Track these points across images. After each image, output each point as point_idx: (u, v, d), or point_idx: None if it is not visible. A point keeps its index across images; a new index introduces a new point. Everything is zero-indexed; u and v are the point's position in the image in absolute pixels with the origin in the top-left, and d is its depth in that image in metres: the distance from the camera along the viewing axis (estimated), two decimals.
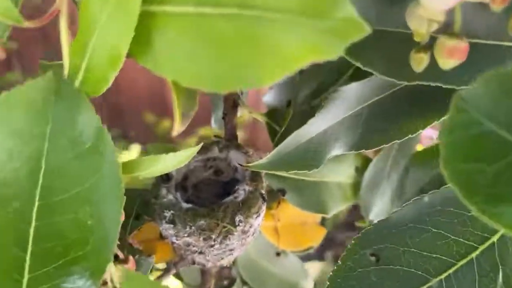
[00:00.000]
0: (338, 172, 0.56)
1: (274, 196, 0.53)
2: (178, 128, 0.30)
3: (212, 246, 0.44)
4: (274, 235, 0.55)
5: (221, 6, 0.25)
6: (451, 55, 0.28)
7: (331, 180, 0.56)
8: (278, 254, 0.58)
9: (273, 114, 0.55)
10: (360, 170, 0.58)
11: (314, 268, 0.87)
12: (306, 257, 0.74)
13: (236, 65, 0.25)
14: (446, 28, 0.29)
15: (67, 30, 0.32)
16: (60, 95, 0.29)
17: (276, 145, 0.46)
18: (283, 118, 0.54)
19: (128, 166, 0.34)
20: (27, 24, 0.31)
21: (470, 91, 0.25)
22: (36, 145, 0.28)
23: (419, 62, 0.30)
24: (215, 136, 0.51)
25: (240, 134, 0.54)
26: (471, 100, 0.25)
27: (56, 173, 0.29)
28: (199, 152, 0.48)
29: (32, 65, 1.68)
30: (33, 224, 0.29)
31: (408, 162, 0.58)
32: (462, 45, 0.28)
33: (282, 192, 0.51)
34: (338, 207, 0.56)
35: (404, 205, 0.37)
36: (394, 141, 0.39)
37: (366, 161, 0.58)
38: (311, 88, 0.54)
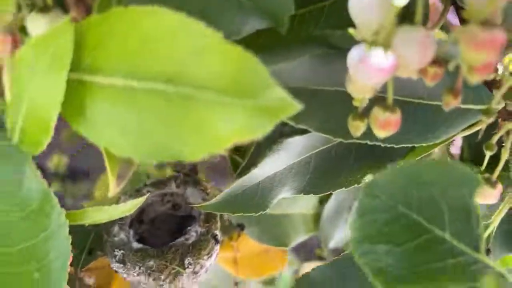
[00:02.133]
0: (301, 204, 0.57)
1: (233, 230, 0.53)
2: (114, 190, 0.30)
3: (162, 286, 0.44)
4: (233, 266, 0.56)
5: (148, 80, 0.25)
6: (384, 127, 0.28)
7: (294, 212, 0.56)
8: (236, 284, 0.58)
9: (236, 147, 0.55)
10: (324, 202, 0.59)
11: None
12: (306, 257, 0.75)
13: (164, 140, 0.25)
14: (382, 97, 0.30)
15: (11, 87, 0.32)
16: (5, 158, 0.30)
17: (237, 177, 0.46)
18: (246, 150, 0.54)
19: (73, 216, 0.35)
20: None
21: (380, 178, 0.25)
22: None
23: (356, 128, 0.31)
24: (174, 170, 0.51)
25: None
26: (381, 186, 0.25)
27: (2, 230, 0.30)
28: (157, 187, 0.49)
29: None
30: None
31: None
32: (394, 118, 0.28)
33: (241, 227, 0.51)
34: (300, 238, 0.57)
35: (325, 263, 0.37)
36: (341, 189, 0.40)
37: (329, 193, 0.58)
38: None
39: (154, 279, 0.44)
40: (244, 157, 0.54)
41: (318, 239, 0.67)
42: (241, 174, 0.45)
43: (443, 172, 0.25)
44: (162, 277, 0.43)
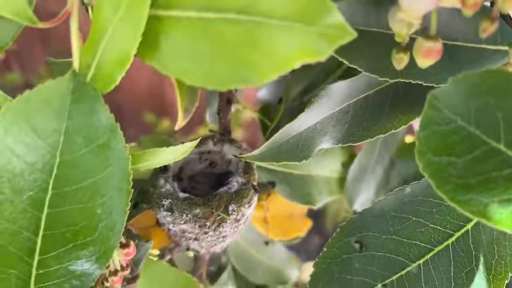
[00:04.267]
0: (324, 167, 0.59)
1: (265, 188, 0.55)
2: (180, 122, 0.33)
3: (206, 233, 0.47)
4: (263, 225, 0.58)
5: (221, 11, 0.28)
6: (427, 55, 0.31)
7: (318, 174, 0.59)
8: (266, 243, 0.61)
9: (265, 110, 0.57)
10: (346, 165, 0.61)
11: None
12: (306, 258, 0.76)
13: (235, 65, 0.28)
14: (424, 30, 0.32)
15: (78, 30, 0.34)
16: (76, 95, 0.31)
17: (267, 139, 0.49)
18: (274, 114, 0.56)
19: (134, 157, 0.37)
20: (41, 25, 0.33)
21: (442, 90, 0.28)
22: (52, 140, 0.31)
23: (399, 61, 0.33)
24: (210, 130, 0.54)
25: (240, 133, 0.56)
26: (443, 99, 0.28)
27: (69, 166, 0.32)
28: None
29: (31, 65, 1.68)
30: (46, 211, 0.32)
31: (394, 155, 0.61)
32: (437, 46, 0.31)
33: (272, 184, 0.53)
34: (324, 200, 0.59)
35: (387, 195, 0.39)
36: (378, 136, 0.42)
37: (352, 156, 0.61)
38: (302, 86, 0.57)
39: (200, 226, 0.46)
40: (273, 121, 0.56)
41: (319, 237, 0.69)
42: (271, 135, 0.47)
43: (499, 80, 0.27)
44: (208, 223, 0.46)
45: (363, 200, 0.63)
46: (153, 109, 1.72)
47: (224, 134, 0.52)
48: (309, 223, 0.64)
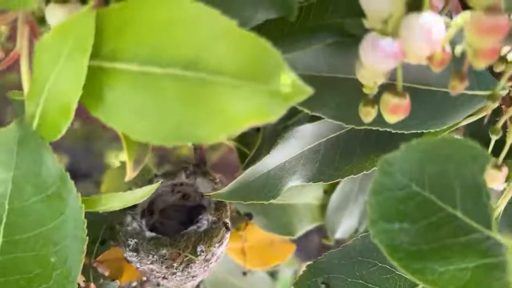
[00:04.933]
0: (306, 195, 0.58)
1: (241, 220, 0.54)
2: (130, 174, 0.31)
3: (174, 273, 0.45)
4: (241, 256, 0.57)
5: (165, 66, 0.26)
6: (393, 112, 0.29)
7: (300, 202, 0.57)
8: (244, 273, 0.59)
9: (243, 138, 0.56)
10: (329, 192, 0.60)
11: None
12: (306, 258, 0.75)
13: (181, 123, 0.26)
14: (391, 85, 0.30)
15: (28, 72, 0.33)
16: (23, 144, 0.31)
17: (244, 169, 0.48)
18: (253, 143, 0.55)
19: (87, 203, 0.36)
20: None
21: (395, 156, 0.26)
22: (0, 189, 0.30)
23: (367, 114, 0.31)
24: (183, 161, 0.53)
25: (215, 156, 0.55)
26: (396, 164, 0.26)
27: (19, 214, 0.31)
28: (167, 178, 0.50)
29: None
30: None
31: None
32: (404, 103, 0.29)
33: (249, 216, 0.52)
34: (305, 228, 0.58)
35: (353, 239, 0.39)
36: (349, 176, 0.41)
37: (334, 184, 0.59)
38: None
39: (167, 267, 0.45)
40: (251, 149, 0.55)
41: (319, 237, 0.68)
42: (248, 165, 0.46)
43: (454, 148, 0.26)
44: (175, 265, 0.45)
45: (345, 228, 0.61)
46: None
47: (198, 166, 0.51)
48: (292, 249, 0.63)
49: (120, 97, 0.28)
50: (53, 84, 0.29)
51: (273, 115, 0.25)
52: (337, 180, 0.60)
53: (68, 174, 0.32)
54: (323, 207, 0.60)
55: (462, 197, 0.27)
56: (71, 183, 0.32)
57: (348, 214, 0.61)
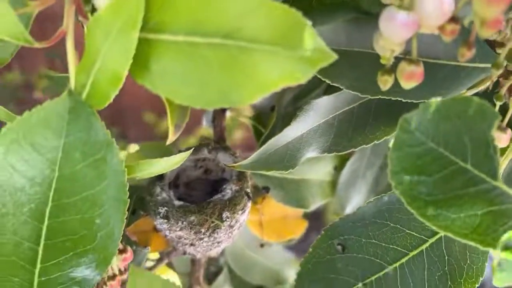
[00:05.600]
0: (318, 171, 0.61)
1: (259, 193, 0.57)
2: (171, 138, 0.34)
3: (201, 239, 0.49)
4: (258, 228, 0.60)
5: (207, 36, 0.29)
6: (409, 78, 0.32)
7: (312, 178, 0.60)
8: (262, 245, 0.63)
9: (259, 117, 0.59)
10: (338, 169, 0.63)
11: None
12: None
13: (221, 87, 0.30)
14: (408, 53, 0.34)
15: (73, 49, 0.36)
16: (73, 114, 0.33)
17: (261, 145, 0.51)
18: (268, 121, 0.58)
19: (128, 168, 0.38)
20: (37, 45, 0.35)
21: (413, 115, 0.30)
22: (50, 156, 0.33)
23: (385, 83, 0.34)
24: (205, 138, 0.56)
25: (240, 133, 0.58)
26: (415, 123, 0.29)
27: (68, 179, 0.34)
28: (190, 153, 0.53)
29: (31, 65, 1.70)
30: (46, 222, 0.34)
31: (383, 161, 0.63)
32: (418, 70, 0.32)
33: (266, 189, 0.55)
34: (317, 203, 0.61)
35: (366, 202, 0.42)
36: (362, 146, 0.44)
37: (344, 160, 0.63)
38: (294, 93, 0.59)
39: (195, 233, 0.48)
40: (266, 128, 0.58)
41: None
42: (264, 142, 0.49)
43: (465, 106, 0.29)
44: (203, 230, 0.48)
45: (354, 204, 0.64)
46: (153, 109, 1.73)
47: (218, 142, 0.54)
48: (304, 225, 0.66)
49: (166, 66, 0.31)
50: (105, 56, 0.31)
51: (302, 78, 0.28)
52: (346, 156, 0.64)
53: (114, 140, 0.34)
54: (333, 183, 0.63)
55: (472, 152, 0.29)
56: (117, 148, 0.34)
57: (357, 190, 0.64)
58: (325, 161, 0.62)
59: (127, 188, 0.35)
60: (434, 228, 0.30)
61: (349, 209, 0.65)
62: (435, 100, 0.29)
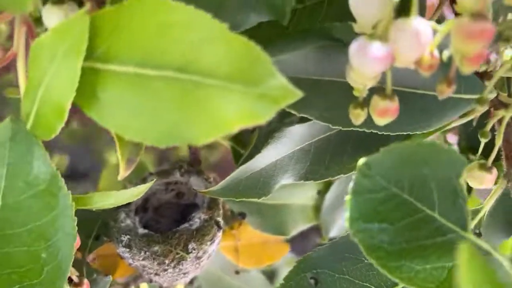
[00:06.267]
0: (300, 196, 0.58)
1: (235, 219, 0.55)
2: (123, 173, 0.32)
3: (165, 270, 0.46)
4: (234, 255, 0.57)
5: (159, 68, 0.27)
6: (383, 115, 0.30)
7: (294, 202, 0.58)
8: (237, 272, 0.60)
9: (238, 138, 0.57)
10: (322, 193, 0.60)
11: None
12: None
13: (172, 123, 0.27)
14: (381, 88, 0.31)
15: (24, 72, 0.33)
16: (16, 141, 0.32)
17: (239, 166, 0.48)
18: (248, 142, 0.55)
19: (80, 200, 0.36)
20: None
21: (374, 159, 0.27)
22: None
23: (356, 117, 0.32)
24: (179, 160, 0.53)
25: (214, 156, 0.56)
26: (375, 167, 0.27)
27: (12, 209, 0.32)
28: (161, 176, 0.51)
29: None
30: None
31: None
32: (393, 106, 0.30)
33: (242, 215, 0.53)
34: (299, 228, 0.58)
35: (341, 235, 0.40)
36: (340, 175, 0.41)
37: (328, 185, 0.60)
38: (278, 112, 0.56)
39: (158, 264, 0.45)
40: (246, 149, 0.55)
41: (317, 237, 0.69)
42: (242, 164, 0.46)
43: (432, 153, 0.27)
44: (167, 261, 0.45)
45: (339, 227, 0.62)
46: None
47: (192, 165, 0.52)
48: (286, 249, 0.63)
49: (114, 98, 0.28)
50: (48, 84, 0.29)
51: (263, 118, 0.25)
52: (330, 180, 0.61)
53: (59, 172, 0.32)
54: (317, 207, 0.61)
55: (440, 200, 0.27)
56: (62, 180, 0.32)
57: (342, 213, 0.61)
58: (309, 186, 0.59)
59: (76, 223, 0.33)
60: (396, 280, 0.28)
61: (334, 232, 0.63)
62: (398, 144, 0.27)
